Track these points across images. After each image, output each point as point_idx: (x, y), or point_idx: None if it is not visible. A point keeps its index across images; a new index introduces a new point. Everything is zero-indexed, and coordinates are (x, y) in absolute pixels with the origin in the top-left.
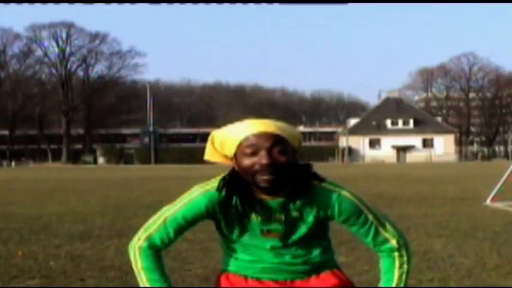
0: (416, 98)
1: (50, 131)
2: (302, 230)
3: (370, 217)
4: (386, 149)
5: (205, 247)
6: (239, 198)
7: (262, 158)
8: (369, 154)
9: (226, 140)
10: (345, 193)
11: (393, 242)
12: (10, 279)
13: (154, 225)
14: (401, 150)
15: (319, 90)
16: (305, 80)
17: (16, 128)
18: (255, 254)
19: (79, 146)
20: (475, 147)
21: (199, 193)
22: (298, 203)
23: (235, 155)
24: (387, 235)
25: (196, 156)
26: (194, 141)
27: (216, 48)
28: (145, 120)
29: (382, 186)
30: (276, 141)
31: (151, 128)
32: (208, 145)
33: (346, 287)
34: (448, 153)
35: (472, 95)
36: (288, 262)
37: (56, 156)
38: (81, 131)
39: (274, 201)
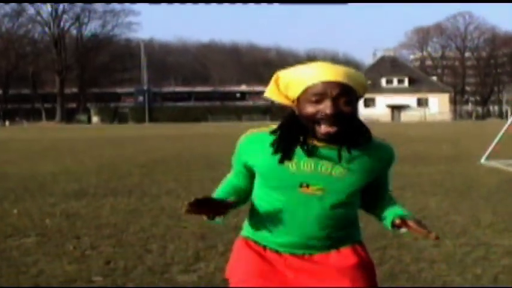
0: (411, 57)
1: (43, 90)
2: (350, 187)
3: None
4: (380, 108)
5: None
6: (288, 141)
7: (326, 108)
8: (364, 113)
9: (292, 83)
10: (393, 148)
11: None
12: (6, 237)
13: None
14: (396, 109)
15: (314, 49)
16: (299, 39)
17: (9, 87)
18: (282, 221)
19: (73, 105)
20: (469, 107)
21: (243, 138)
22: (351, 154)
23: (298, 98)
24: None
25: (190, 115)
26: (189, 100)
27: (210, 7)
28: (140, 79)
29: None
30: (343, 90)
31: (145, 87)
32: (272, 84)
33: (365, 266)
34: (443, 113)
35: (467, 54)
36: (311, 237)
37: (50, 116)
38: (75, 90)
39: (325, 149)
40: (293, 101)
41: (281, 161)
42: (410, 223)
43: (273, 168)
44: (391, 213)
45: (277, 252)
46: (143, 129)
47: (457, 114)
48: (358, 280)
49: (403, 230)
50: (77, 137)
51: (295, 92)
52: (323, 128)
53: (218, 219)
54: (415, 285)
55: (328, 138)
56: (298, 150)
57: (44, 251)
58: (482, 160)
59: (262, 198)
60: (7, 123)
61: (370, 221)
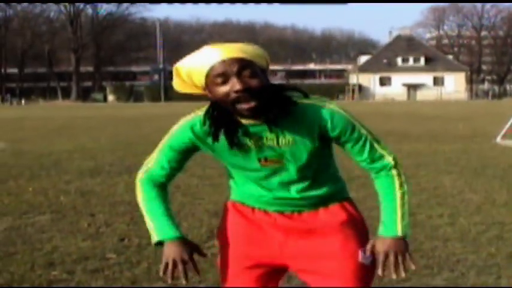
0: (427, 35)
1: (59, 68)
2: (302, 153)
3: (364, 131)
4: (396, 87)
5: (214, 183)
6: (226, 130)
7: (234, 85)
8: (379, 92)
9: (192, 72)
10: (333, 106)
11: (389, 159)
12: (21, 214)
13: (152, 160)
14: (412, 88)
15: (330, 27)
16: (315, 18)
17: (25, 66)
18: (259, 189)
19: (89, 84)
20: (485, 86)
21: (184, 122)
22: (286, 123)
23: (206, 85)
24: (383, 152)
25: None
26: None
27: None
28: (155, 58)
29: (393, 123)
30: (243, 65)
31: (161, 66)
32: (175, 78)
33: (355, 221)
34: (459, 91)
35: (484, 33)
36: (294, 197)
37: (66, 94)
38: (90, 69)
39: (260, 126)
40: (203, 89)
41: (230, 147)
42: (380, 255)
43: (228, 154)
44: (380, 224)
45: (265, 211)
46: (158, 107)
47: (473, 93)
48: (349, 235)
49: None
50: (92, 115)
51: (199, 80)
52: (244, 106)
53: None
54: (429, 263)
55: (255, 113)
56: (241, 132)
57: (58, 228)
58: (498, 139)
59: (234, 172)
60: (23, 101)
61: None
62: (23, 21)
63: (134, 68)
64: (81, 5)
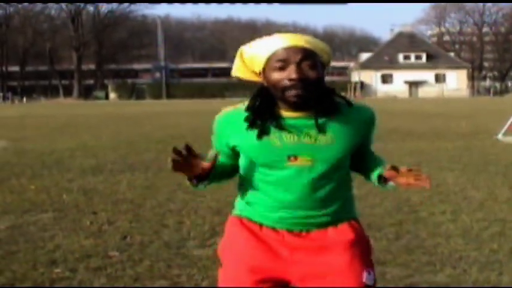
0: (429, 32)
1: (61, 66)
2: (338, 153)
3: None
4: (398, 84)
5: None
6: (264, 115)
7: (291, 73)
8: (381, 89)
9: (256, 55)
10: (373, 110)
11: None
12: (23, 212)
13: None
14: (414, 85)
15: (331, 25)
16: (317, 15)
17: (27, 64)
18: (274, 197)
19: (90, 82)
20: (487, 83)
21: (216, 121)
22: (329, 121)
23: (264, 70)
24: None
25: (207, 91)
26: (206, 76)
27: None
28: (157, 56)
29: (395, 121)
30: (305, 54)
31: (162, 63)
32: (237, 60)
33: (362, 241)
34: (461, 89)
35: (485, 29)
36: (308, 212)
37: (68, 92)
38: (92, 67)
39: (303, 119)
40: (260, 74)
41: (259, 137)
42: (402, 169)
43: (257, 146)
44: (379, 168)
45: (273, 229)
46: (160, 105)
47: (474, 90)
48: (356, 255)
49: (391, 184)
50: (94, 113)
51: (259, 63)
52: (292, 92)
53: (201, 185)
54: (431, 260)
55: (300, 101)
56: (278, 123)
57: (60, 226)
58: (500, 136)
59: (252, 175)
60: (25, 99)
61: (385, 197)
62: (24, 19)
63: (136, 66)
64: (83, 3)
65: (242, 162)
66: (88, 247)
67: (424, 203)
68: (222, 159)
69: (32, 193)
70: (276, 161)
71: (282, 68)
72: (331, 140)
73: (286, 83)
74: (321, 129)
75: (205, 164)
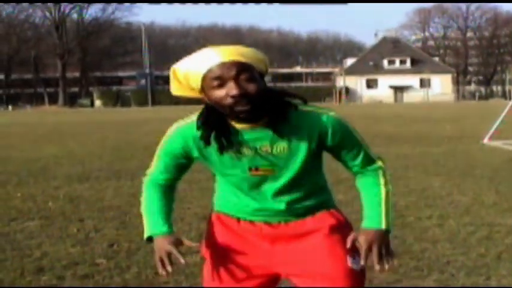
0: (413, 37)
1: (45, 74)
2: (296, 162)
3: (359, 138)
4: (383, 89)
5: (203, 187)
6: (218, 133)
7: (231, 89)
8: (366, 94)
9: (189, 74)
10: (334, 114)
11: (379, 163)
12: (9, 220)
13: (153, 163)
14: (399, 90)
15: (316, 30)
16: (301, 21)
17: (12, 72)
18: (247, 199)
19: (75, 89)
20: (472, 87)
21: (175, 128)
22: (283, 130)
23: (202, 88)
24: (373, 156)
25: (193, 98)
26: None
27: None
28: (141, 63)
29: (380, 125)
30: (241, 69)
31: (147, 70)
32: (172, 80)
33: (344, 226)
34: (446, 93)
35: (469, 34)
36: (281, 209)
37: (53, 100)
38: (77, 74)
39: (255, 131)
40: (200, 92)
41: (220, 153)
42: (363, 247)
43: (217, 160)
44: (364, 217)
45: (251, 222)
46: (146, 112)
47: (459, 94)
48: (337, 240)
49: None
50: (79, 120)
51: (196, 81)
52: (239, 109)
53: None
54: (419, 265)
55: (249, 117)
56: (232, 138)
57: (47, 234)
58: (485, 140)
59: (223, 180)
60: (10, 107)
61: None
62: (9, 27)
63: (120, 73)
64: (67, 10)
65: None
66: (75, 255)
67: (410, 207)
68: (167, 174)
69: (18, 201)
70: (238, 172)
71: (220, 86)
72: (286, 149)
73: (230, 100)
74: (276, 139)
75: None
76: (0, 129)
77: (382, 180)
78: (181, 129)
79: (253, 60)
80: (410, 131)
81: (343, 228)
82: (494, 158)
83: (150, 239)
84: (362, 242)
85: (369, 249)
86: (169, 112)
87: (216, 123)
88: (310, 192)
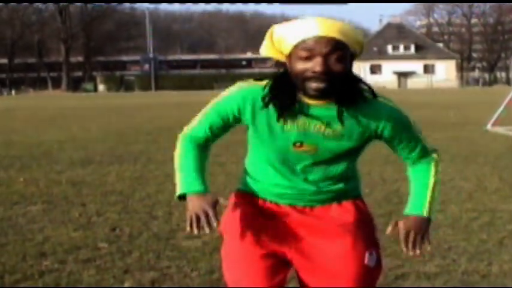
0: (417, 23)
1: (49, 59)
2: (340, 148)
3: (418, 131)
4: (387, 75)
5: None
6: (283, 99)
7: (316, 65)
8: (370, 80)
9: (285, 37)
10: (396, 106)
11: (434, 155)
12: (12, 204)
13: (197, 119)
14: (403, 76)
15: (321, 16)
16: (306, 6)
17: (15, 56)
18: (277, 176)
19: (79, 74)
20: (476, 73)
21: (237, 88)
22: (346, 113)
23: (289, 55)
24: (430, 149)
25: (196, 83)
26: (194, 68)
27: None
28: (145, 48)
29: None
30: (335, 47)
31: (151, 55)
32: (266, 39)
33: (365, 220)
34: (450, 79)
35: (474, 20)
36: (310, 191)
37: (56, 84)
38: (80, 59)
39: (317, 108)
40: (286, 56)
41: (277, 120)
42: (401, 232)
43: (268, 126)
44: (408, 204)
45: (277, 204)
46: (149, 97)
47: (463, 80)
48: (359, 236)
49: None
50: (83, 105)
51: (287, 47)
52: (313, 85)
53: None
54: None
55: (319, 94)
56: (292, 108)
57: (49, 218)
58: (489, 126)
59: (257, 154)
60: (13, 92)
61: (375, 187)
62: (12, 11)
63: (124, 58)
64: None
65: (250, 138)
66: (77, 239)
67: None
68: (206, 134)
69: (21, 185)
70: (282, 144)
71: (307, 58)
72: (340, 133)
73: (309, 74)
74: (333, 121)
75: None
76: (3, 113)
77: (433, 170)
78: (244, 89)
79: (351, 40)
80: (413, 116)
81: (365, 221)
82: (497, 144)
83: (181, 197)
84: (401, 227)
85: (407, 234)
86: (172, 97)
87: (286, 89)
88: (341, 177)
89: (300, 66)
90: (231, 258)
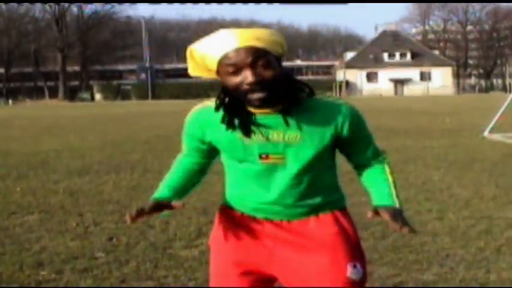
0: (413, 30)
1: (46, 68)
2: (307, 152)
3: (370, 130)
4: (383, 82)
5: (202, 181)
6: (233, 116)
7: (247, 77)
8: (367, 87)
9: (206, 55)
10: (350, 105)
11: (384, 155)
12: (9, 214)
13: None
14: (399, 83)
15: (316, 23)
16: (301, 14)
17: (12, 65)
18: (251, 191)
19: (76, 83)
20: (472, 80)
21: (191, 114)
22: (297, 118)
23: (218, 71)
24: (379, 149)
25: (193, 91)
26: (191, 77)
27: None
28: (141, 56)
29: (380, 119)
30: (257, 55)
31: (147, 64)
32: (189, 61)
33: (345, 234)
34: (446, 86)
35: (469, 27)
36: (285, 205)
37: (53, 94)
38: (77, 68)
39: (269, 117)
40: (216, 74)
41: (237, 135)
42: (385, 216)
43: (229, 143)
44: (375, 197)
45: (254, 218)
46: (146, 106)
47: (460, 87)
48: (338, 249)
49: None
50: (80, 114)
51: (212, 64)
52: (253, 96)
53: (164, 213)
54: (418, 258)
55: (264, 104)
56: (246, 122)
57: (47, 227)
58: (486, 133)
59: (231, 168)
60: (10, 101)
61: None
62: (9, 21)
63: (121, 67)
64: (66, 4)
65: (221, 156)
66: (74, 249)
67: (410, 201)
68: (192, 158)
69: (18, 195)
70: (249, 158)
71: (235, 72)
72: (299, 138)
73: (245, 87)
74: (289, 126)
75: (165, 205)
76: (0, 123)
77: (388, 170)
78: (197, 112)
79: (270, 44)
80: (410, 124)
81: (346, 234)
82: (494, 152)
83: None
84: (383, 210)
85: (393, 215)
86: (169, 106)
87: (236, 107)
88: (318, 189)
89: (233, 80)
90: (212, 275)
